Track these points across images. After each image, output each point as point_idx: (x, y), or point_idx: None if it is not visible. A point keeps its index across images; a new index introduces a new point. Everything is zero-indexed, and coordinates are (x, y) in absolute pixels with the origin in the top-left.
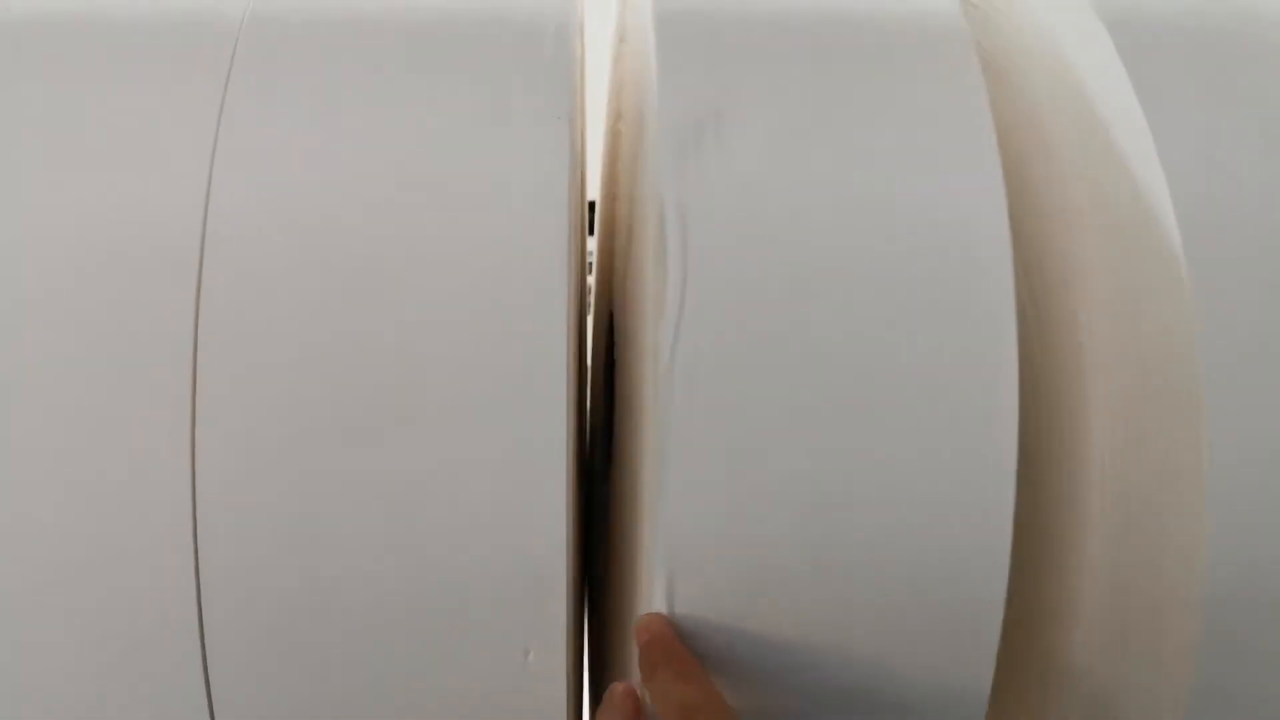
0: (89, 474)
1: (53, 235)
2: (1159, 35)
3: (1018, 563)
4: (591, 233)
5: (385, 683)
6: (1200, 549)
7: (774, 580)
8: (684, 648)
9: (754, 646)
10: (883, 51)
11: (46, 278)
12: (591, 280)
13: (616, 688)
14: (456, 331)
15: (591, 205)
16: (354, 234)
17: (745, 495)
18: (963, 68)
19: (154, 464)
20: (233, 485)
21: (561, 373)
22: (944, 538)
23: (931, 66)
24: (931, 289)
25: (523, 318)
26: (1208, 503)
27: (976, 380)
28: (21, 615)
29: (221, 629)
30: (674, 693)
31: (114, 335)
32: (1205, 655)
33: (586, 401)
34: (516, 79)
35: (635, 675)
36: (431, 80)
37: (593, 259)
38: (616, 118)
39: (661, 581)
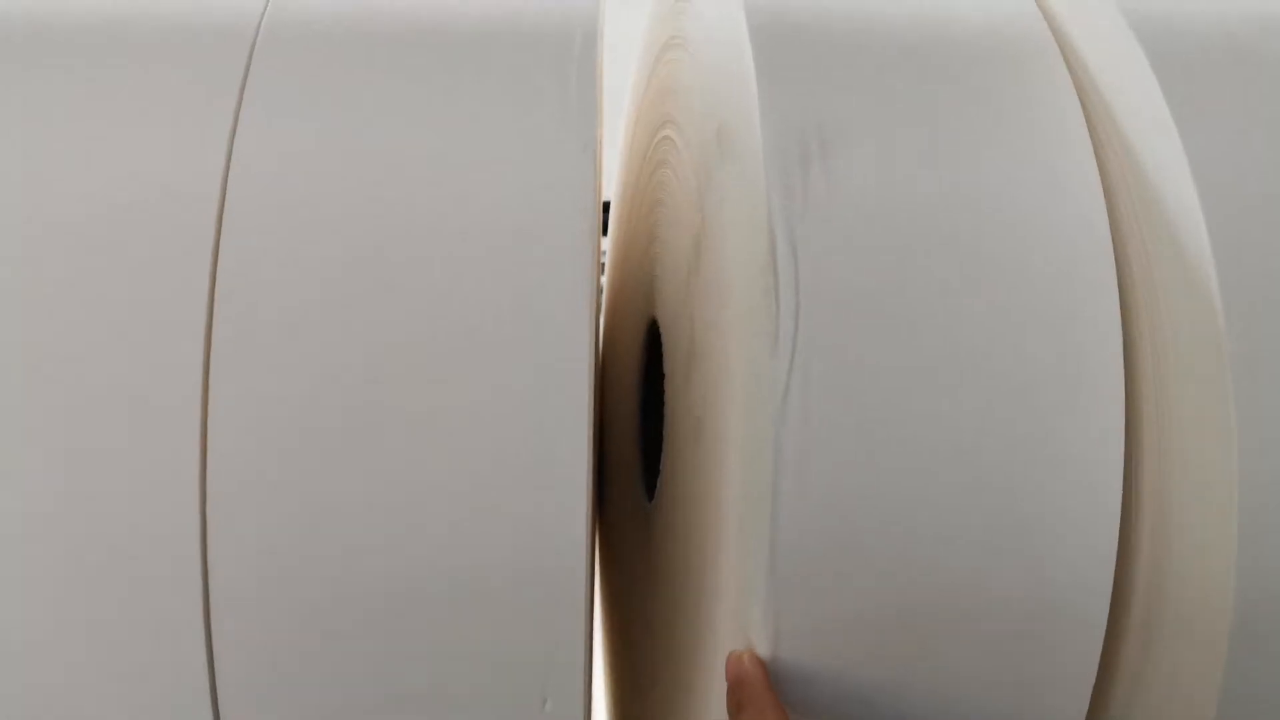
0: (98, 466)
1: (66, 225)
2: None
3: None
4: (604, 233)
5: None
6: (1231, 551)
7: (878, 620)
8: (772, 692)
9: (850, 693)
10: (978, 65)
11: (57, 270)
12: (603, 280)
13: None
14: (477, 334)
15: (605, 205)
16: (375, 233)
17: (858, 534)
18: (1057, 81)
19: (165, 459)
20: (242, 488)
21: (585, 381)
22: (1047, 578)
23: (1026, 78)
24: (1043, 313)
25: (546, 323)
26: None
27: (1085, 409)
28: (25, 610)
29: (228, 635)
30: None
31: (128, 334)
32: (1233, 658)
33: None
34: (544, 83)
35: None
36: (459, 79)
37: (604, 259)
38: (662, 123)
39: (768, 620)
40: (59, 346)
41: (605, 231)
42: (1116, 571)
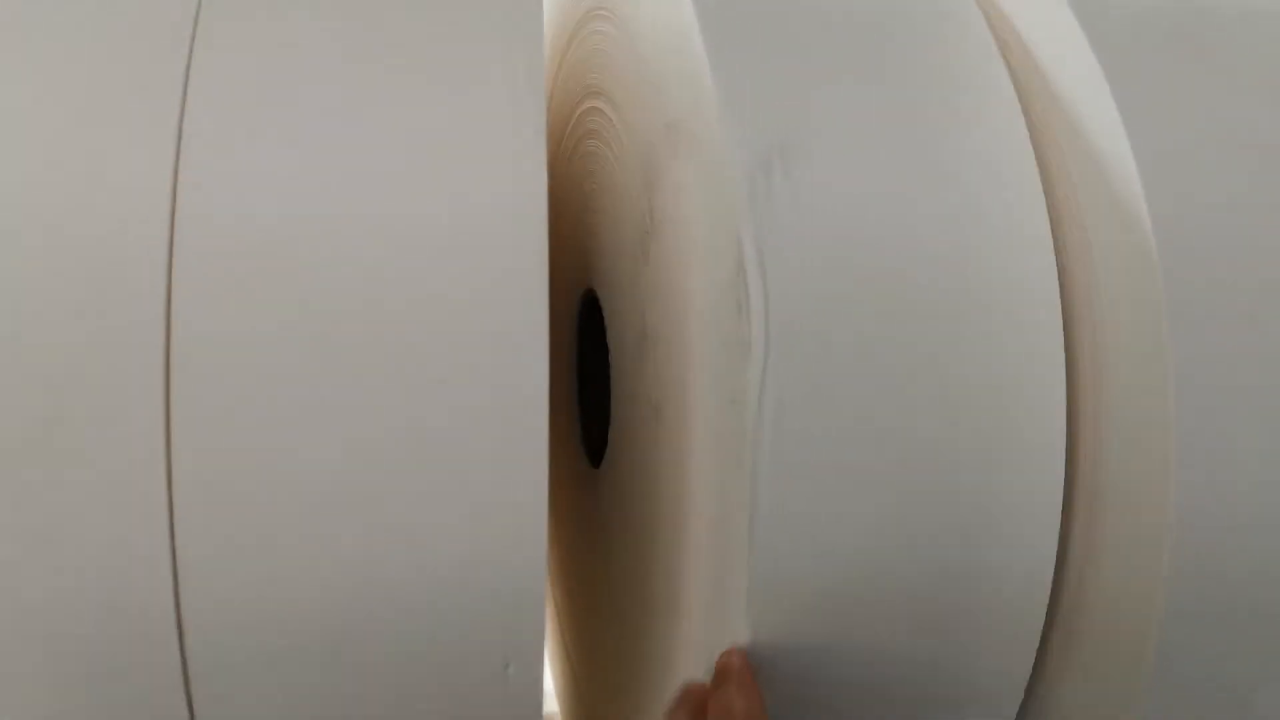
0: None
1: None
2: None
3: None
4: None
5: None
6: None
7: (852, 612)
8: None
9: (816, 678)
10: (922, 60)
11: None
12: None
13: (693, 688)
14: (430, 324)
15: None
16: (327, 218)
17: (832, 533)
18: (996, 74)
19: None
20: (209, 499)
21: (543, 361)
22: (994, 567)
23: (968, 70)
24: (1003, 317)
25: (500, 306)
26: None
27: (1038, 410)
28: None
29: (200, 650)
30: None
31: (80, 340)
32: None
33: None
34: (488, 48)
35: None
36: (400, 51)
37: None
38: (588, 93)
39: (747, 614)
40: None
41: None
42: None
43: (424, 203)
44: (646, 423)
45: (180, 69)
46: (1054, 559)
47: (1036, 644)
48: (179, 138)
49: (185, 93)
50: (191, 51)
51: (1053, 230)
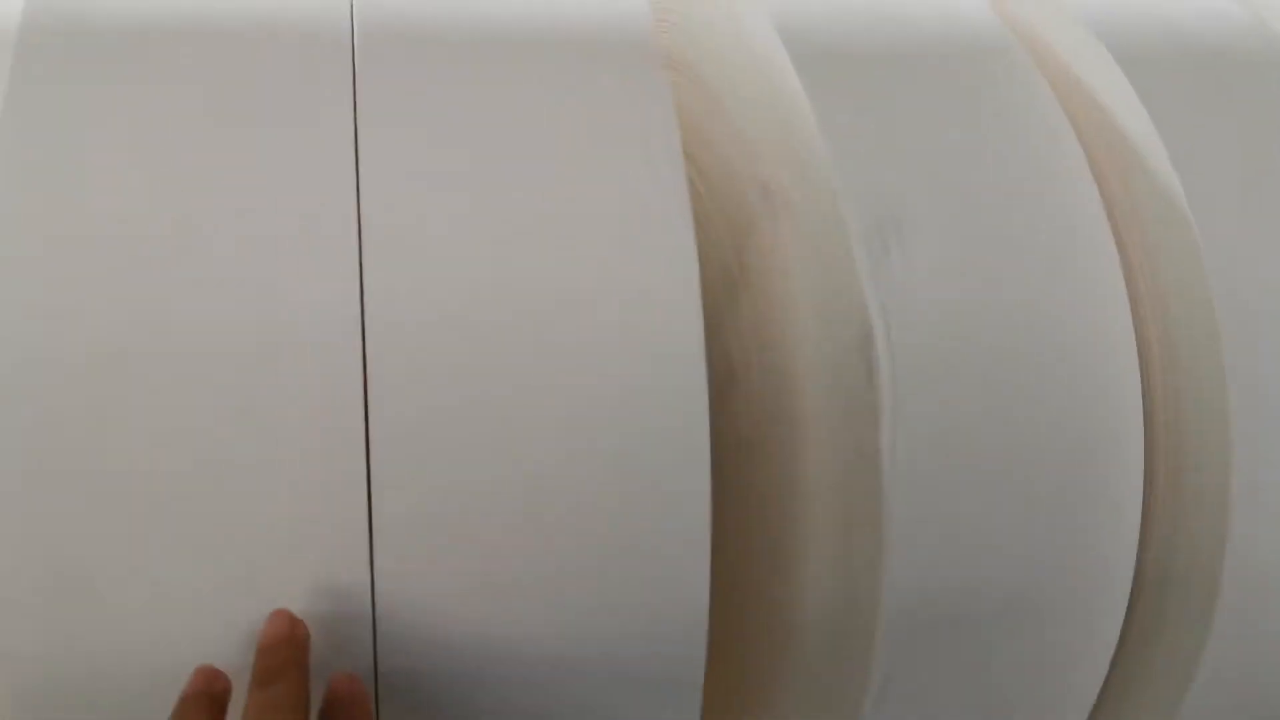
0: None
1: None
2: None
3: None
4: None
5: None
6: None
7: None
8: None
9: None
10: (1002, 124)
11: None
12: None
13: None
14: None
15: None
16: (507, 264)
17: (958, 564)
18: (1061, 128)
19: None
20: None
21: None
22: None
23: (1039, 130)
24: (1087, 370)
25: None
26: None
27: (1117, 457)
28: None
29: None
30: None
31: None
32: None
33: None
34: (628, 127)
35: None
36: (547, 96)
37: None
38: None
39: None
40: None
41: None
42: None
43: (590, 278)
44: (731, 455)
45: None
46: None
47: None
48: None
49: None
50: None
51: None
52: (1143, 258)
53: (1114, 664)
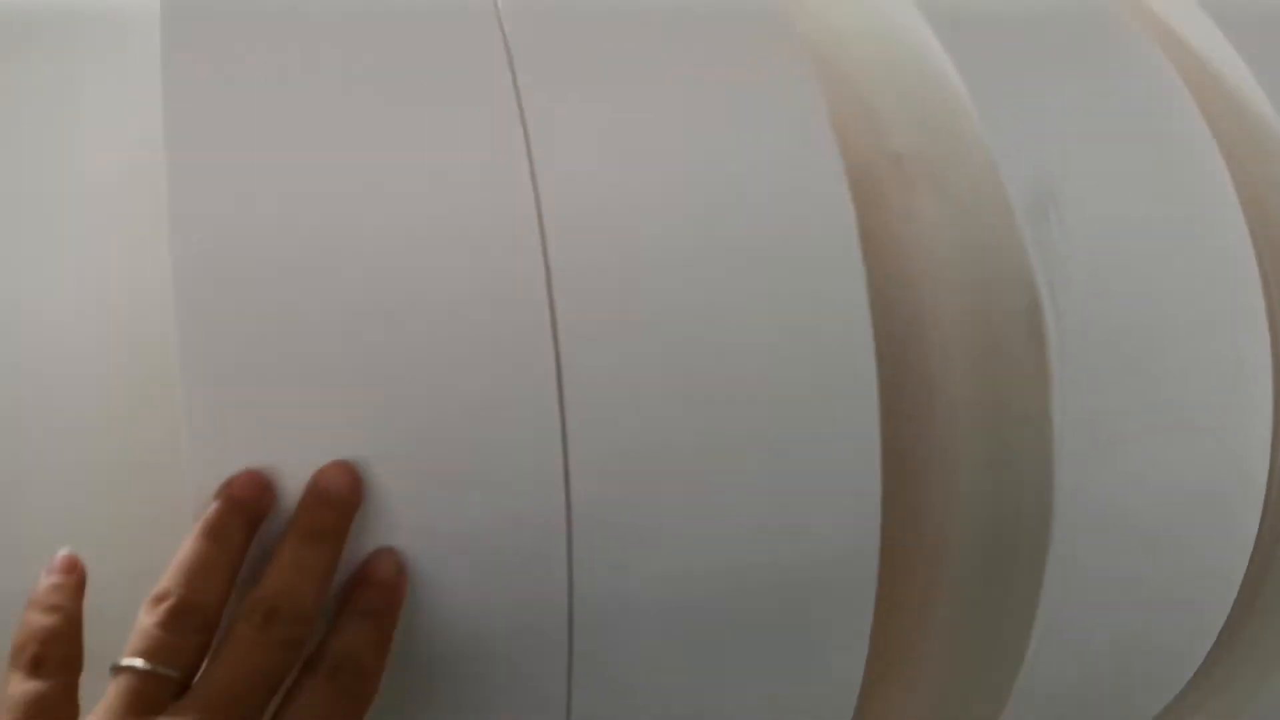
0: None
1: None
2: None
3: None
4: None
5: None
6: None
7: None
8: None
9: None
10: (1137, 92)
11: None
12: None
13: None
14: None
15: None
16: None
17: (1132, 524)
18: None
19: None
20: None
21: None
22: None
23: (1165, 94)
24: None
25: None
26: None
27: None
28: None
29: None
30: None
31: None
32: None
33: None
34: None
35: None
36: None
37: None
38: None
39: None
40: None
41: None
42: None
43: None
44: None
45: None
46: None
47: None
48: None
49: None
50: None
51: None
52: (1259, 225)
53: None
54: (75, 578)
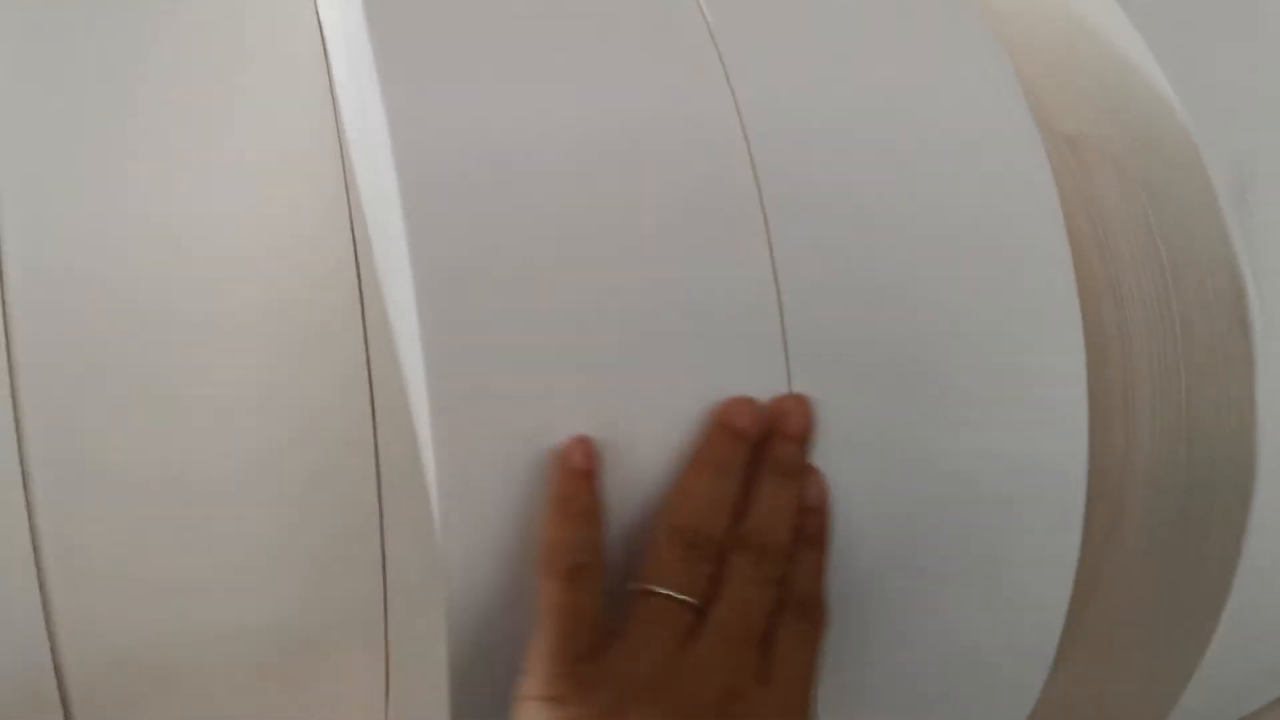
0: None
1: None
2: None
3: None
4: None
5: None
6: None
7: None
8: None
9: None
10: None
11: None
12: None
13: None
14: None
15: None
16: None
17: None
18: None
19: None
20: None
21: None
22: None
23: None
24: None
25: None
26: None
27: None
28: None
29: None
30: None
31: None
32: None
33: None
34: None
35: None
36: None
37: None
38: None
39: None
40: None
41: None
42: None
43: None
44: None
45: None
46: None
47: None
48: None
49: None
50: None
51: None
52: None
53: None
54: (596, 476)
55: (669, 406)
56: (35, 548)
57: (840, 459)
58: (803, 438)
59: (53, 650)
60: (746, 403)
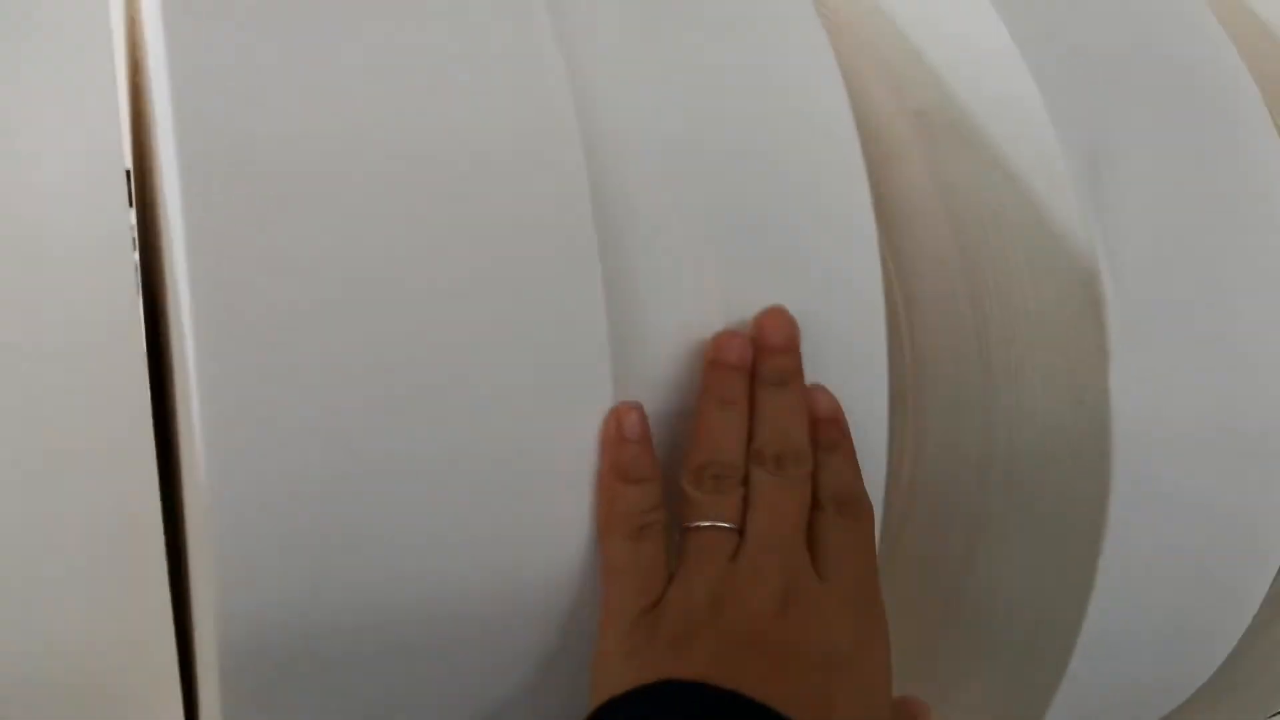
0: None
1: None
2: None
3: None
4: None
5: None
6: None
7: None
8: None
9: None
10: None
11: None
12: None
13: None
14: None
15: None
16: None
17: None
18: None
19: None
20: None
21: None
22: None
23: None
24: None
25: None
26: None
27: None
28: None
29: None
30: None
31: None
32: None
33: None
34: None
35: None
36: None
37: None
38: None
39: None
40: None
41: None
42: None
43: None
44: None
45: None
46: None
47: None
48: None
49: None
50: None
51: None
52: None
53: None
54: (650, 441)
55: None
56: None
57: None
58: (786, 346)
59: None
60: (734, 335)
